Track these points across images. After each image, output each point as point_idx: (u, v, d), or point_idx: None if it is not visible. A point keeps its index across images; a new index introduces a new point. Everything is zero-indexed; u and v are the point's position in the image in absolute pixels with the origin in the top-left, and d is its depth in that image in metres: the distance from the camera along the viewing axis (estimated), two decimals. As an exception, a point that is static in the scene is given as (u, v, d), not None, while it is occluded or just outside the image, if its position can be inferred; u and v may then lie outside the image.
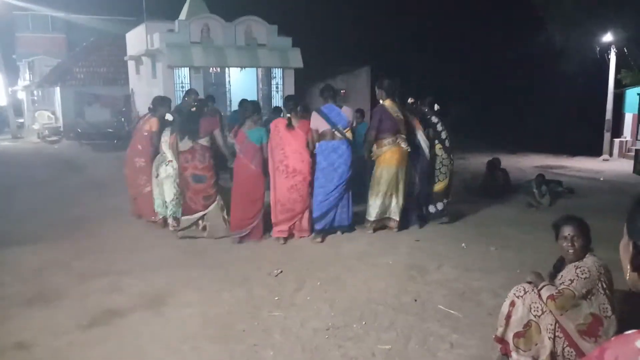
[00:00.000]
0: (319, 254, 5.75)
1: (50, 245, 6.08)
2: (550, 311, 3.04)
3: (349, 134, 6.24)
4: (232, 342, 3.78)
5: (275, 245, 6.06)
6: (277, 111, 9.37)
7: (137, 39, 18.18)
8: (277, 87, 16.62)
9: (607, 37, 16.86)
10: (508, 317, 3.17)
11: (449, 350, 3.64)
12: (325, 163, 6.15)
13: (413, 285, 4.79)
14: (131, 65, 19.64)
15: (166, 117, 6.69)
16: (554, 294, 3.00)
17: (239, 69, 16.21)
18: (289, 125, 6.13)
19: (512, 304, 3.17)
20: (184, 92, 9.43)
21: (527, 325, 3.08)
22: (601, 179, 12.44)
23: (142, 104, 15.53)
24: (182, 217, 6.30)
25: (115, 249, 5.99)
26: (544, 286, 3.12)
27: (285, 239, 6.15)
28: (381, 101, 6.49)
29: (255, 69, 16.35)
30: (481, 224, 6.99)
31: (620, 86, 17.26)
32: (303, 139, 6.17)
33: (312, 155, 6.21)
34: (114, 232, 6.66)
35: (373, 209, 6.42)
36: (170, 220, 6.61)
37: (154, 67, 16.64)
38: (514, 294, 3.20)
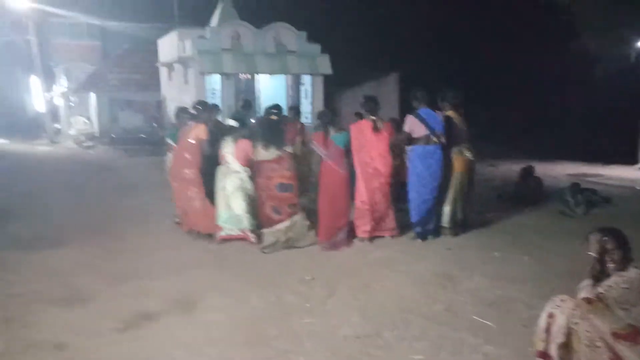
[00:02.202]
0: (349, 260, 5.73)
1: (85, 248, 6.21)
2: (588, 318, 2.97)
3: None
4: (261, 347, 3.78)
5: (305, 250, 6.04)
6: (248, 105, 9.32)
7: (169, 46, 18.48)
8: (306, 94, 16.66)
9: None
10: (547, 329, 3.09)
11: (482, 362, 3.56)
12: (421, 167, 6.15)
13: (444, 294, 4.72)
14: (163, 71, 19.98)
15: (229, 123, 6.45)
16: (591, 296, 2.96)
17: (268, 75, 16.32)
18: (375, 129, 6.14)
19: (551, 315, 3.09)
20: (242, 103, 9.29)
21: (568, 333, 3.00)
22: (638, 187, 12.08)
23: (173, 110, 15.75)
24: (265, 231, 6.12)
25: (146, 251, 6.08)
26: (585, 287, 3.07)
27: (371, 239, 6.24)
28: (443, 112, 6.45)
29: (284, 75, 16.42)
30: (514, 233, 6.85)
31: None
32: (387, 142, 6.20)
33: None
34: (145, 235, 6.77)
35: (446, 216, 6.46)
36: (249, 234, 6.22)
37: (185, 73, 16.88)
38: (551, 306, 3.12)
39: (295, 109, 9.04)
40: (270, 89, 16.52)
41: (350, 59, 19.75)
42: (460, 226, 6.60)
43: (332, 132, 6.17)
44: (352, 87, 22.29)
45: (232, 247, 6.14)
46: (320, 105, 16.56)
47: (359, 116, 8.75)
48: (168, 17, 21.15)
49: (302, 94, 16.65)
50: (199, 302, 4.60)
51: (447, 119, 6.37)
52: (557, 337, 3.04)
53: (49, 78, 27.11)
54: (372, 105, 6.31)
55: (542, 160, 15.83)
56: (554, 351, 3.06)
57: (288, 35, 16.10)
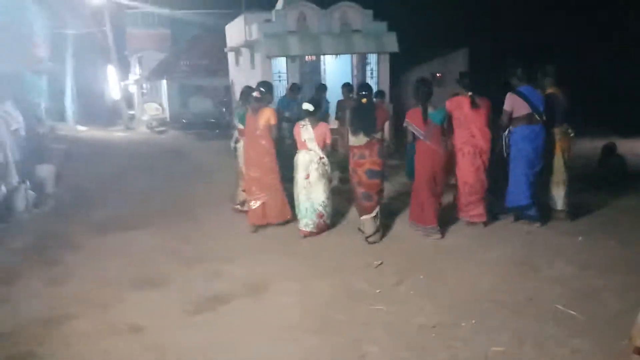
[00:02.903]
0: (420, 246, 5.52)
1: (159, 230, 6.38)
2: None
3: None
4: (332, 334, 3.70)
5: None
6: (322, 89, 9.27)
7: (236, 31, 18.65)
8: (371, 73, 16.33)
9: None
10: None
11: (569, 356, 3.31)
12: (530, 148, 5.86)
13: (524, 282, 4.44)
14: (231, 56, 20.22)
15: (304, 107, 6.00)
16: None
17: (333, 56, 16.10)
18: (474, 104, 5.87)
19: None
20: (317, 87, 9.28)
21: None
22: None
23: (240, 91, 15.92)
24: (362, 218, 5.80)
25: (216, 235, 6.17)
26: None
27: (485, 223, 6.01)
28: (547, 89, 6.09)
29: (349, 55, 16.16)
30: (598, 216, 6.37)
31: None
32: (486, 118, 5.95)
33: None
34: (215, 219, 6.83)
35: (558, 198, 6.17)
36: (328, 221, 6.06)
37: (252, 57, 16.98)
38: None
39: (366, 86, 8.87)
40: (335, 69, 16.31)
41: (417, 36, 19.15)
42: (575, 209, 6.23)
43: (430, 109, 5.75)
44: (420, 64, 21.68)
45: (298, 233, 6.02)
46: (386, 85, 16.20)
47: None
48: (235, 3, 21.36)
49: (368, 73, 16.31)
50: (269, 286, 4.58)
51: (550, 96, 5.99)
52: None
53: (124, 67, 28.28)
54: (467, 81, 6.01)
55: (624, 136, 14.73)
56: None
57: (354, 14, 15.77)
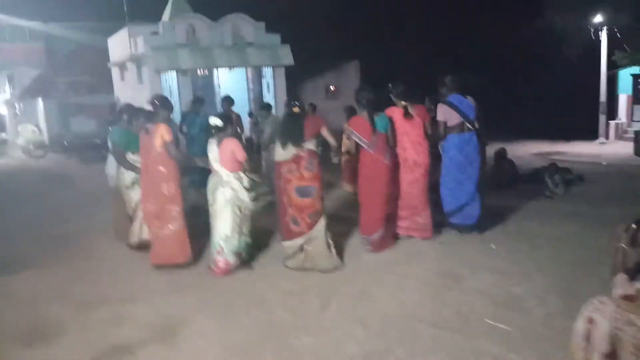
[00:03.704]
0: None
1: (44, 270, 5.59)
2: (634, 322, 2.64)
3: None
4: (261, 378, 3.33)
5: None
6: (267, 108, 9.08)
7: (120, 44, 17.58)
8: (268, 86, 16.12)
9: (598, 18, 16.60)
10: (587, 337, 2.74)
11: (510, 374, 3.22)
12: (460, 157, 5.82)
13: (450, 295, 4.36)
14: (115, 71, 19.04)
15: (212, 122, 5.17)
16: (632, 292, 2.67)
17: (227, 69, 15.69)
18: (407, 114, 5.63)
19: (590, 320, 2.74)
20: (222, 99, 8.78)
21: (613, 341, 2.67)
22: (604, 163, 12.19)
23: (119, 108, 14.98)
24: (284, 243, 5.23)
25: (114, 272, 5.48)
26: (620, 282, 2.75)
27: (396, 238, 5.79)
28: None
29: (244, 68, 15.83)
30: (502, 220, 6.57)
31: (612, 68, 17.02)
32: (422, 129, 5.74)
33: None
34: (111, 253, 6.11)
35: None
36: (230, 259, 5.15)
37: (139, 72, 16.08)
38: (589, 310, 2.78)
39: (267, 106, 8.80)
40: (230, 83, 15.90)
41: (310, 49, 19.30)
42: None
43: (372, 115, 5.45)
44: (313, 77, 21.87)
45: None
46: (283, 98, 16.06)
47: (350, 111, 8.18)
48: (116, 15, 20.16)
49: (265, 87, 16.09)
50: (182, 328, 4.09)
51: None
52: (601, 346, 2.70)
53: (-10, 85, 25.61)
54: (401, 89, 5.80)
55: (504, 140, 15.81)
56: (598, 362, 2.71)
57: (246, 26, 15.52)
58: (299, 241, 5.14)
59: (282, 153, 5.12)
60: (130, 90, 17.22)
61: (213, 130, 5.19)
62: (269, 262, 5.50)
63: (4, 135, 25.23)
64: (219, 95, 15.96)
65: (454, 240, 5.83)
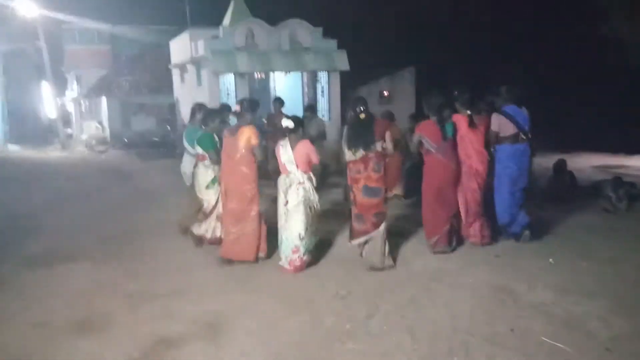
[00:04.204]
0: (388, 272, 5.15)
1: (99, 264, 5.72)
2: None
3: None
4: (304, 382, 3.26)
5: (337, 262, 5.48)
6: (311, 109, 9.23)
7: (181, 47, 18.06)
8: (322, 91, 16.12)
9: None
10: None
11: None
12: (515, 167, 5.80)
13: (504, 310, 4.15)
14: (175, 73, 19.57)
15: (284, 124, 5.31)
16: None
17: (283, 73, 15.81)
18: (472, 124, 5.62)
19: None
20: (273, 100, 9.05)
21: None
22: (670, 178, 11.43)
23: (186, 112, 15.35)
24: (352, 242, 5.41)
25: (166, 268, 5.54)
26: None
27: (459, 243, 5.83)
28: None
29: (300, 73, 15.90)
30: (562, 235, 6.26)
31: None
32: (483, 139, 5.75)
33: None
34: (164, 250, 6.18)
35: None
36: (306, 257, 5.28)
37: (198, 74, 16.44)
38: None
39: (311, 108, 8.83)
40: (285, 87, 16.01)
41: (365, 54, 19.19)
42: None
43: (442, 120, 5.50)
44: (368, 83, 21.75)
45: (261, 265, 5.47)
46: (337, 103, 16.03)
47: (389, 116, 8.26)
48: (179, 19, 20.76)
49: (319, 91, 16.10)
50: (227, 327, 4.08)
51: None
52: None
53: (60, 84, 26.93)
54: (467, 98, 5.75)
55: (563, 152, 15.13)
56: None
57: (303, 31, 15.58)
58: (362, 239, 5.29)
59: (350, 154, 5.27)
60: (189, 92, 17.65)
61: (285, 132, 5.32)
62: (319, 264, 5.46)
63: (69, 130, 26.44)
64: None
65: (510, 252, 5.58)
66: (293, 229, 5.20)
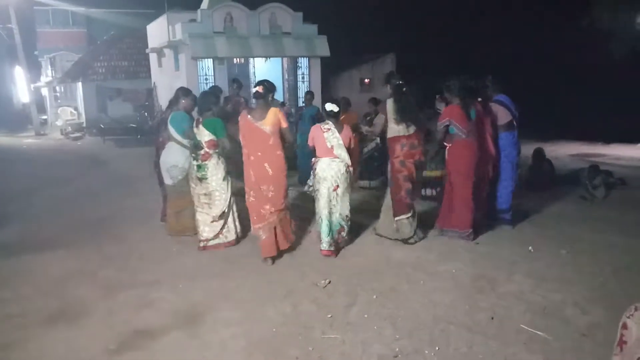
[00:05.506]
0: (369, 261, 5.14)
1: (74, 252, 5.60)
2: None
3: None
4: (284, 373, 3.23)
5: (318, 251, 5.43)
6: (311, 93, 9.21)
7: (158, 31, 17.71)
8: (302, 77, 16.00)
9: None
10: (620, 343, 2.55)
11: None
12: (515, 153, 6.00)
13: (484, 298, 4.17)
14: (153, 57, 19.20)
15: (328, 108, 5.24)
16: None
17: (263, 59, 15.63)
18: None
19: (624, 326, 2.54)
20: (231, 81, 8.77)
21: None
22: (646, 166, 11.64)
23: (164, 97, 15.08)
24: (398, 219, 5.48)
25: (143, 256, 5.46)
26: None
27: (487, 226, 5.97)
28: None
29: (280, 58, 15.74)
30: (540, 223, 6.32)
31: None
32: (489, 127, 5.79)
33: None
34: (141, 237, 6.10)
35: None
36: (346, 236, 5.41)
37: (176, 59, 16.15)
38: (625, 315, 2.58)
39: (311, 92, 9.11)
40: (265, 72, 15.82)
41: (346, 40, 19.09)
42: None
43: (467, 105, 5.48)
44: (349, 69, 21.65)
45: (240, 252, 5.45)
46: (317, 89, 15.92)
47: (374, 102, 8.35)
48: (157, 2, 20.30)
49: (299, 77, 15.97)
50: (207, 315, 4.02)
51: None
52: (635, 353, 2.50)
53: (34, 68, 26.27)
54: (459, 87, 5.55)
55: (541, 140, 15.30)
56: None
57: (283, 16, 15.39)
58: (409, 214, 5.46)
59: (399, 129, 5.35)
60: (167, 77, 17.35)
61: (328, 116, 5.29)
62: (298, 253, 5.41)
63: (44, 116, 25.83)
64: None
65: (490, 241, 5.61)
66: (342, 210, 5.29)
